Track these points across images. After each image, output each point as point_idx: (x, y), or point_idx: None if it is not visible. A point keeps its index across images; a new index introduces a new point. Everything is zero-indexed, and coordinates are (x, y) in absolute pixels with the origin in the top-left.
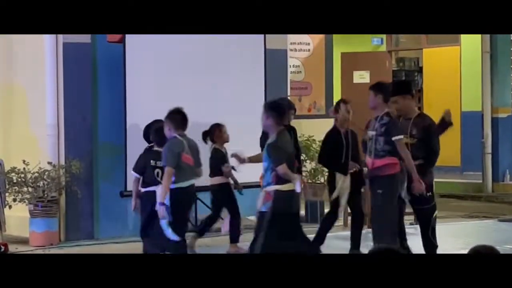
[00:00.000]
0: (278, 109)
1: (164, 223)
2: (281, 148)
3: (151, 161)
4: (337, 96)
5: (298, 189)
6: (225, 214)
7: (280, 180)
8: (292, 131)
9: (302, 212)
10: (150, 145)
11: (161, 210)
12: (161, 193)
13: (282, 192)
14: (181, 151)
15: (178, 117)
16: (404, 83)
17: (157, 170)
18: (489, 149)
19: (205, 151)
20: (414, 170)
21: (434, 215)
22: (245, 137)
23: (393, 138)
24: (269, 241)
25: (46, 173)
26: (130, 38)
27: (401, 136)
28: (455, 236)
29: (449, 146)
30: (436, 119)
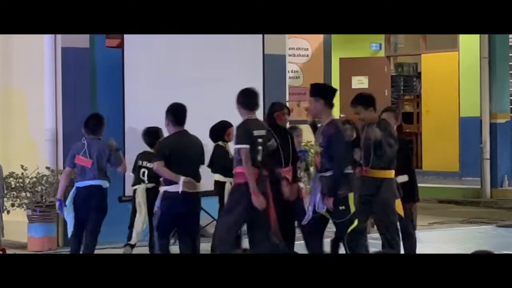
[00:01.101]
0: (175, 113)
1: (66, 218)
2: (165, 147)
3: (139, 161)
4: (336, 102)
5: (180, 189)
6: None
7: (167, 180)
8: (288, 134)
9: None
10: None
11: (56, 205)
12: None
13: (168, 193)
14: (76, 153)
15: (90, 122)
16: (318, 86)
17: (143, 169)
18: (487, 154)
19: None
20: (252, 181)
21: (350, 229)
22: None
23: (235, 146)
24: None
25: (45, 178)
26: (128, 43)
27: (242, 146)
28: (454, 242)
29: (448, 151)
30: (435, 124)
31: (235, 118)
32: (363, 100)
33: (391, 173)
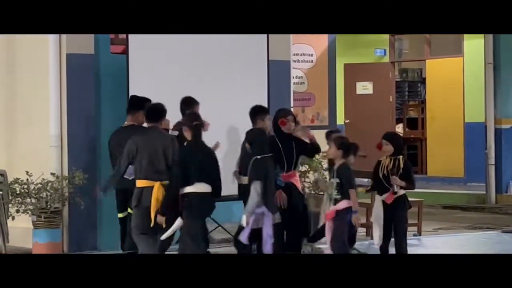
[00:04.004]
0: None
1: None
2: None
3: None
4: (340, 107)
5: None
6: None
7: None
8: (292, 140)
9: None
10: None
11: None
12: None
13: None
14: None
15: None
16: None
17: None
18: (492, 160)
19: None
20: None
21: None
22: None
23: None
24: None
25: (50, 184)
26: (133, 49)
27: None
28: (459, 248)
29: (452, 157)
30: (440, 129)
31: (239, 123)
32: None
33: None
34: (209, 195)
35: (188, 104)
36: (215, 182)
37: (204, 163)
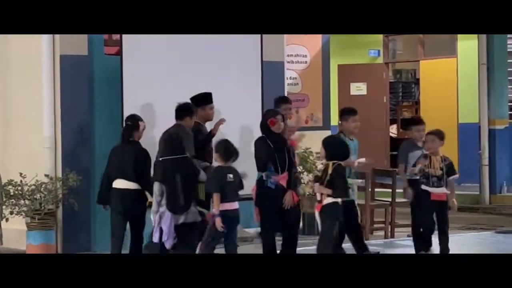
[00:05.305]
0: None
1: None
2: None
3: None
4: (334, 108)
5: None
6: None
7: None
8: (284, 141)
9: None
10: None
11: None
12: None
13: None
14: None
15: None
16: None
17: None
18: (486, 161)
19: None
20: None
21: None
22: (242, 148)
23: None
24: None
25: (43, 185)
26: (127, 50)
27: None
28: (453, 248)
29: None
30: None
31: (234, 125)
32: None
33: None
34: (126, 191)
35: (281, 102)
36: (131, 180)
37: (124, 161)
